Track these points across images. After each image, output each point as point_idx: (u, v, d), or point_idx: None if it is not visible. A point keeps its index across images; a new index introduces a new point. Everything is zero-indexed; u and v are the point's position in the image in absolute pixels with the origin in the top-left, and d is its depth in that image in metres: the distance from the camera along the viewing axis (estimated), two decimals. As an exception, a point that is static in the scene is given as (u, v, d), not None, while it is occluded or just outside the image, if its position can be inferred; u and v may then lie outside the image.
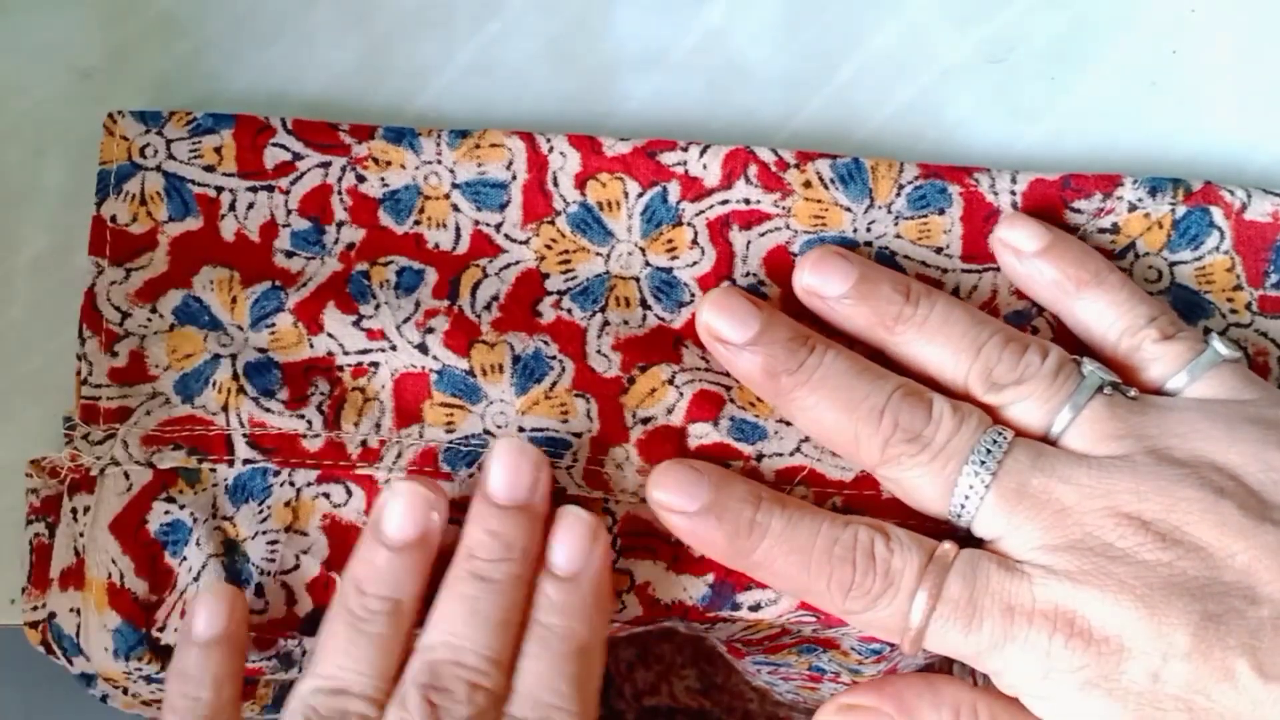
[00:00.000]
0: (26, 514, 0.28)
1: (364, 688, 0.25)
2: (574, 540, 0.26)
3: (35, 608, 0.27)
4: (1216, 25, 0.31)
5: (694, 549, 0.27)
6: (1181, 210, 0.29)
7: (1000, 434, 0.26)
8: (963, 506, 0.26)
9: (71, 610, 0.27)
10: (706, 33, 0.31)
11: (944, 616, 0.25)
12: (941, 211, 0.29)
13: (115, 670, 0.27)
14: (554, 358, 0.28)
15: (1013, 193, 0.29)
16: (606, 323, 0.28)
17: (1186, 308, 0.29)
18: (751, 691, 0.55)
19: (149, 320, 0.28)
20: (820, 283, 0.28)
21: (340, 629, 0.26)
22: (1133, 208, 0.29)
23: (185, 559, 0.27)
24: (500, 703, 0.25)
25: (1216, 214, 0.29)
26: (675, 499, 0.26)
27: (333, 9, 0.31)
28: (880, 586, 0.25)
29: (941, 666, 0.32)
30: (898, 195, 0.29)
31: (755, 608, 0.27)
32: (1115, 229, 0.29)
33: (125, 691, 0.29)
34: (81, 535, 0.27)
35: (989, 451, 0.26)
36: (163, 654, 0.27)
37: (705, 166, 0.29)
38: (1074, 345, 0.28)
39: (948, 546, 0.26)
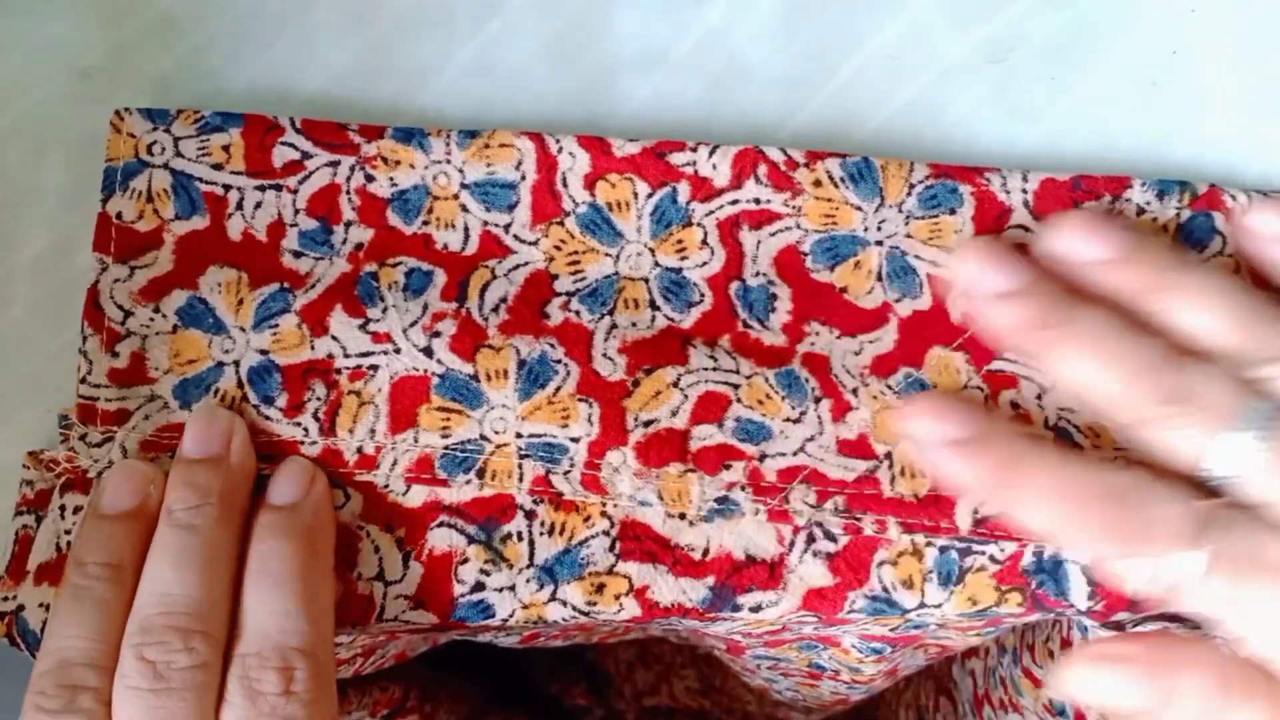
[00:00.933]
0: (16, 505, 0.28)
1: (88, 654, 0.24)
2: (289, 476, 0.27)
3: (5, 598, 0.27)
4: (1216, 25, 0.31)
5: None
6: (1187, 214, 0.29)
7: (1270, 399, 0.25)
8: (1230, 469, 0.25)
9: (41, 605, 0.27)
10: (706, 33, 0.31)
11: (1207, 572, 0.25)
12: (953, 211, 0.29)
13: None
14: (559, 361, 0.28)
15: (1024, 191, 0.29)
16: (614, 325, 0.28)
17: None
18: (749, 694, 0.55)
19: (151, 320, 0.28)
20: (1083, 245, 0.27)
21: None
22: (1140, 211, 0.29)
23: None
24: (222, 645, 0.25)
25: (1219, 219, 0.29)
26: (943, 427, 0.26)
27: (333, 9, 0.31)
28: (1143, 535, 0.25)
29: (941, 667, 0.32)
30: (908, 195, 0.29)
31: (756, 608, 0.27)
32: None
33: None
34: (68, 533, 0.27)
35: (1263, 414, 0.25)
36: None
37: (715, 166, 0.29)
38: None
39: (1213, 502, 0.25)
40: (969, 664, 0.42)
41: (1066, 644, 0.33)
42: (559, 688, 0.57)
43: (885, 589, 0.27)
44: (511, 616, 0.27)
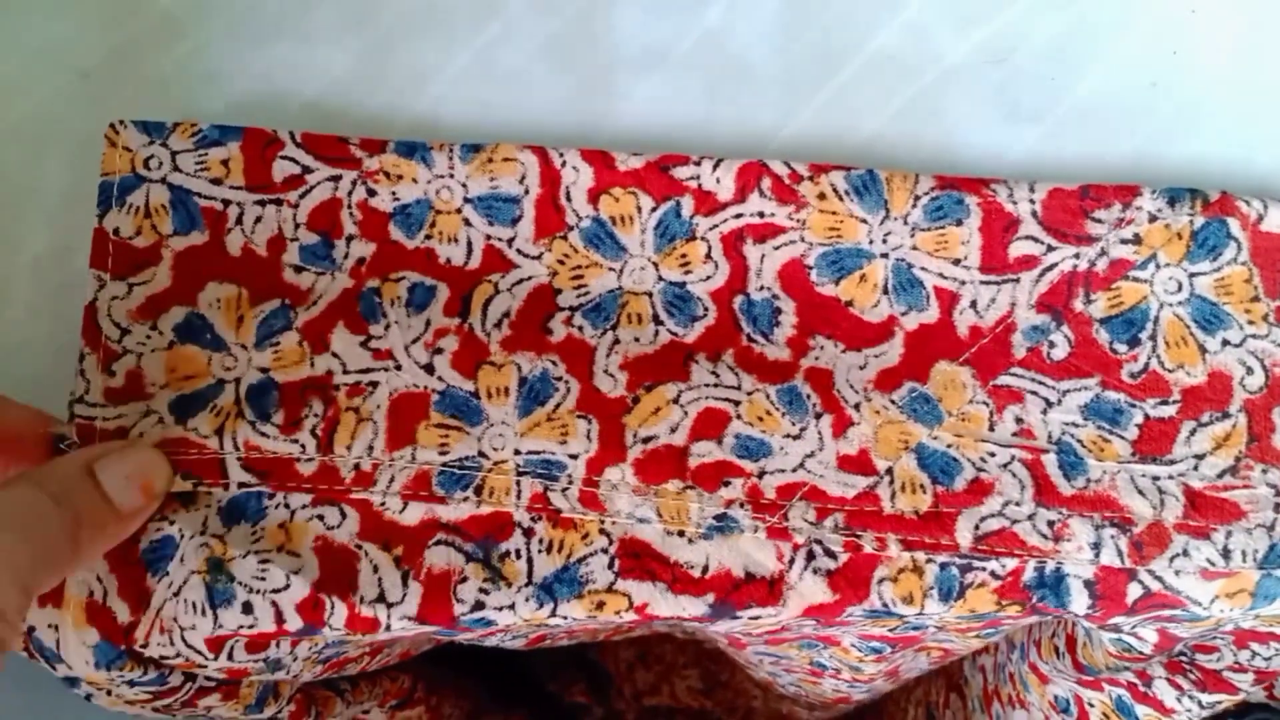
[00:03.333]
0: None
1: None
2: None
3: None
4: (1216, 25, 0.31)
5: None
6: (1200, 221, 0.29)
7: None
8: None
9: (50, 626, 0.27)
10: (706, 33, 0.31)
11: None
12: (959, 222, 0.29)
13: (98, 677, 0.27)
14: (560, 379, 0.28)
15: (1032, 201, 0.29)
16: (617, 340, 0.28)
17: (1206, 320, 0.29)
18: (755, 689, 0.55)
19: (148, 337, 0.28)
20: None
21: None
22: (1153, 218, 0.29)
23: (166, 574, 0.27)
24: None
25: (1234, 225, 0.29)
26: None
27: (333, 10, 0.31)
28: None
29: (953, 664, 0.32)
30: (914, 206, 0.29)
31: (755, 619, 0.27)
32: (1137, 239, 0.29)
33: (109, 693, 0.28)
34: None
35: None
36: (145, 662, 0.27)
37: (719, 180, 0.29)
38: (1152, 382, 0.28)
39: None
40: (980, 660, 0.43)
41: (1071, 641, 0.33)
42: (558, 686, 0.57)
43: (885, 605, 0.27)
44: (513, 624, 0.27)
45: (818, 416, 0.28)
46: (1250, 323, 0.29)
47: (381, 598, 0.27)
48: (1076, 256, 0.29)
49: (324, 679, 0.34)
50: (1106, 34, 0.31)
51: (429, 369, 0.28)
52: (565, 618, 0.27)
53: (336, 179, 0.28)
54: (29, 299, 0.30)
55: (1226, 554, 0.27)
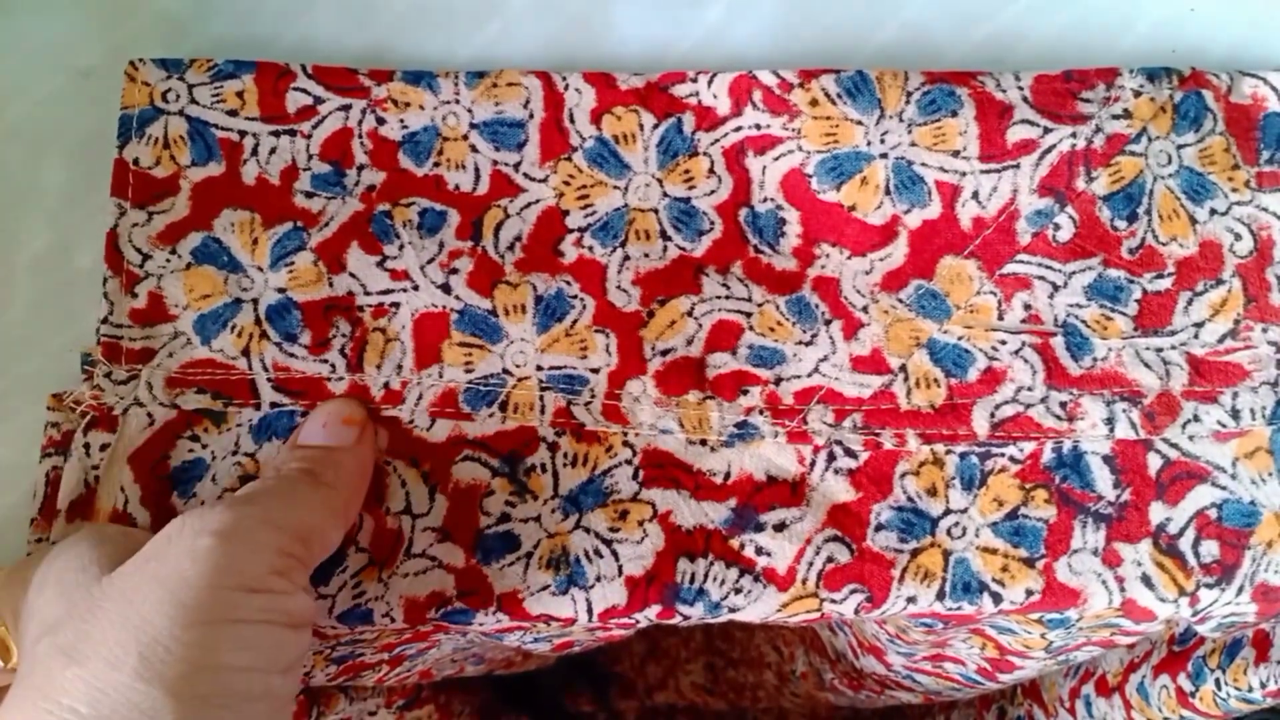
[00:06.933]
0: (43, 446, 0.28)
1: None
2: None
3: (40, 539, 0.27)
4: (1216, 25, 0.31)
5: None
6: (1179, 95, 0.30)
7: None
8: None
9: None
10: (706, 33, 0.31)
11: None
12: (954, 114, 0.29)
13: None
14: (575, 296, 0.29)
15: (1020, 88, 0.29)
16: (627, 257, 0.29)
17: (1194, 190, 0.29)
18: (761, 679, 0.55)
19: (168, 261, 0.28)
20: None
21: None
22: (1137, 94, 0.30)
23: (194, 496, 0.27)
24: None
25: (1208, 97, 0.30)
26: None
27: (333, 9, 0.31)
28: None
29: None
30: (907, 103, 0.29)
31: (780, 527, 0.28)
32: (1128, 114, 0.29)
33: None
34: (95, 469, 0.27)
35: None
36: None
37: (715, 96, 0.29)
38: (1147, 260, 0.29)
39: None
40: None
41: (1182, 694, 0.33)
42: (560, 685, 0.57)
43: (910, 499, 0.28)
44: (536, 547, 0.27)
45: (827, 323, 0.29)
46: (1234, 190, 0.29)
47: (408, 509, 0.27)
48: (1074, 135, 0.29)
49: (338, 684, 0.34)
50: (1106, 34, 0.31)
51: (446, 288, 0.28)
52: (588, 530, 0.28)
53: (347, 108, 0.29)
54: (29, 298, 0.30)
55: (1236, 414, 0.28)
